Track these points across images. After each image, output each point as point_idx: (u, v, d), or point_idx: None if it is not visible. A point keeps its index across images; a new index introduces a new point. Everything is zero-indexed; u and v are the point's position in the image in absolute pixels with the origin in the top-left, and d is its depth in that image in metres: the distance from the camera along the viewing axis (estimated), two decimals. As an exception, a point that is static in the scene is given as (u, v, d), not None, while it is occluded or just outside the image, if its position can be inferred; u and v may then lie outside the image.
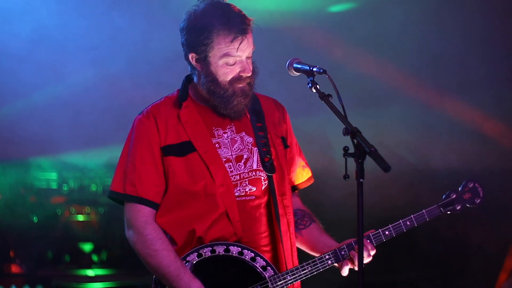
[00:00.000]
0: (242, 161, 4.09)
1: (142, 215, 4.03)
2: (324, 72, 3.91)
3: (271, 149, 4.12)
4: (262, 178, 4.10)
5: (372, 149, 3.47)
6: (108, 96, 8.75)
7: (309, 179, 4.41)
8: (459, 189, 4.37)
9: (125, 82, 8.71)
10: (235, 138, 4.12)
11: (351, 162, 3.57)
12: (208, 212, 4.01)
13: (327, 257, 4.09)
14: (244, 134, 4.13)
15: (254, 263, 3.99)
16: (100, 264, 9.75)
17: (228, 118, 4.12)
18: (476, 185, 4.38)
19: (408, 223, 4.21)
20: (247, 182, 4.07)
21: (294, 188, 4.37)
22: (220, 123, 4.12)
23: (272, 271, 4.01)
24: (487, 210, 7.50)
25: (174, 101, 4.14)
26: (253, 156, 4.11)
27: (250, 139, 4.13)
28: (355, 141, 3.55)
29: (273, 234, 4.13)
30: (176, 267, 3.95)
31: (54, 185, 9.98)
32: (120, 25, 8.40)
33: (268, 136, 4.18)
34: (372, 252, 4.13)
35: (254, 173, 4.09)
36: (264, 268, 4.00)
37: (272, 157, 4.10)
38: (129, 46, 8.58)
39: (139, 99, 8.25)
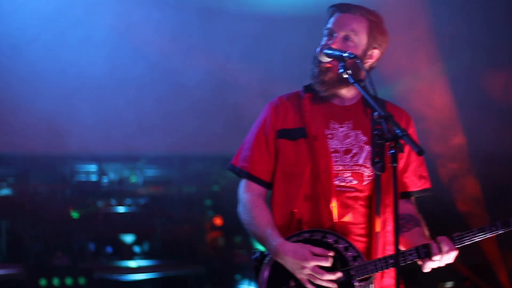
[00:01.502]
0: (350, 155, 4.20)
1: (247, 189, 4.29)
2: (355, 57, 4.04)
3: (385, 150, 4.12)
4: (365, 174, 4.20)
5: (405, 133, 3.60)
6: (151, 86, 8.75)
7: (425, 190, 4.44)
8: None
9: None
10: (349, 134, 4.24)
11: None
12: (307, 195, 4.17)
13: (409, 252, 4.11)
14: (360, 132, 4.24)
15: (346, 252, 4.07)
16: (142, 255, 9.76)
17: (348, 114, 4.28)
18: None
19: (493, 228, 4.14)
20: (349, 174, 4.18)
21: (407, 194, 4.42)
22: (339, 117, 4.26)
23: (362, 262, 4.10)
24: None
25: (301, 93, 4.39)
26: (362, 153, 4.21)
27: (365, 138, 4.23)
28: (388, 125, 3.68)
29: (367, 229, 4.23)
30: (265, 229, 4.15)
31: (94, 178, 10.02)
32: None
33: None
34: (452, 253, 4.10)
35: (358, 167, 4.18)
36: (354, 258, 4.07)
37: (385, 158, 4.12)
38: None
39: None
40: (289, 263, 4.06)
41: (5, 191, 9.67)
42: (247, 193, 4.29)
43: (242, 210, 4.29)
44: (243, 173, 4.31)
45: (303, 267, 4.02)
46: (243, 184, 4.32)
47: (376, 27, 4.27)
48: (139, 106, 8.76)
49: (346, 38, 4.21)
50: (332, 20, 4.25)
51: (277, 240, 4.09)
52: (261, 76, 8.55)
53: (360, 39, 4.22)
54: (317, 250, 4.03)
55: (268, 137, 4.29)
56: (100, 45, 8.32)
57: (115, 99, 8.58)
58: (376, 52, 4.29)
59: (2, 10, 8.07)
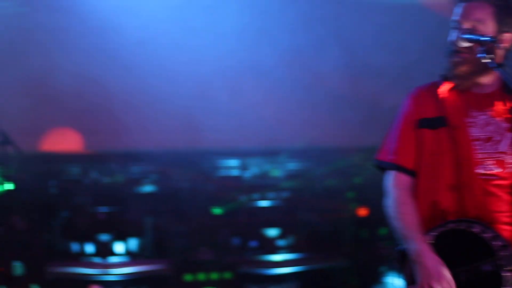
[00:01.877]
0: (491, 142, 4.20)
1: (396, 181, 4.30)
2: (495, 41, 4.05)
3: None
4: (508, 161, 4.18)
5: None
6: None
7: None
8: None
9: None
10: (490, 122, 4.23)
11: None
12: (450, 185, 4.17)
13: None
14: (501, 119, 4.24)
15: (493, 242, 4.03)
16: (287, 249, 9.75)
17: (488, 102, 4.27)
18: None
19: None
20: (492, 162, 4.16)
21: None
22: (479, 105, 4.26)
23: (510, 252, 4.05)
24: None
25: (439, 82, 4.41)
26: (504, 140, 4.21)
27: (506, 125, 4.23)
28: None
29: None
30: (411, 229, 4.15)
31: (235, 172, 10.09)
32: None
33: None
34: None
35: (499, 155, 4.18)
36: (503, 248, 4.02)
37: None
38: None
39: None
40: (423, 270, 4.04)
41: (149, 188, 9.89)
42: (396, 188, 4.29)
43: (389, 204, 4.28)
44: (392, 166, 4.31)
45: (430, 283, 4.00)
46: (392, 176, 4.32)
47: (503, 10, 4.20)
48: (276, 98, 8.77)
49: (472, 29, 4.17)
50: (458, 11, 4.21)
51: (421, 245, 4.08)
52: (395, 64, 8.40)
53: (487, 27, 4.17)
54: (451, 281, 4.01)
55: (411, 128, 4.30)
56: (233, 35, 8.35)
57: (251, 91, 8.64)
58: (508, 36, 4.21)
59: (129, 4, 8.21)
